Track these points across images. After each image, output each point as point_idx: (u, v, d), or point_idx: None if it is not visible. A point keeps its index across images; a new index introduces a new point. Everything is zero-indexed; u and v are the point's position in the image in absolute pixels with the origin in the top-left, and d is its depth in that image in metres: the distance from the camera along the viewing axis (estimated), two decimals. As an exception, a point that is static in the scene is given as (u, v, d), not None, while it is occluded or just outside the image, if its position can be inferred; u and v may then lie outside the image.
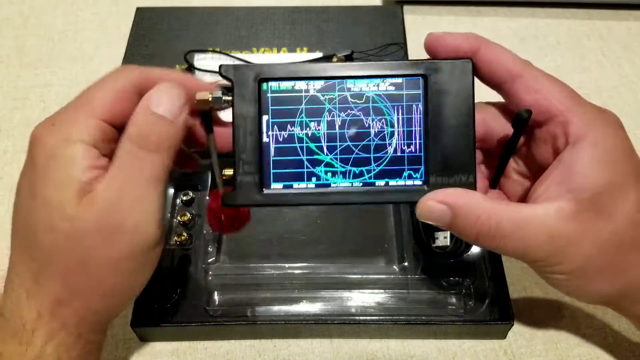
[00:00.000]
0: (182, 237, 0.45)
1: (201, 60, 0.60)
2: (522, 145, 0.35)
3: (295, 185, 0.33)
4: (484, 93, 0.35)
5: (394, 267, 0.45)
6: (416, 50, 0.62)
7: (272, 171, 0.33)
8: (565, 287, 0.34)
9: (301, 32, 0.62)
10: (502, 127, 0.35)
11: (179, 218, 0.46)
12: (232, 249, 0.46)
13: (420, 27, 0.65)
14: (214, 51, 0.60)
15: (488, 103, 0.36)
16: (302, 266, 0.45)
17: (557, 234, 0.31)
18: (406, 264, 0.45)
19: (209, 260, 0.45)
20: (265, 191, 0.33)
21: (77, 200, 0.30)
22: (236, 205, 0.33)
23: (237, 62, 0.34)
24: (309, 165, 0.33)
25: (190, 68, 0.58)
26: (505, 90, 0.33)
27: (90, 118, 0.31)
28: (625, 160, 0.31)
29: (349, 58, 0.59)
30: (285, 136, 0.33)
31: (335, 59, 0.58)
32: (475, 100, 0.33)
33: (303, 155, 0.33)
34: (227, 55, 0.60)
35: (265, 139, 0.33)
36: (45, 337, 0.31)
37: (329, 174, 0.33)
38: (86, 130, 0.31)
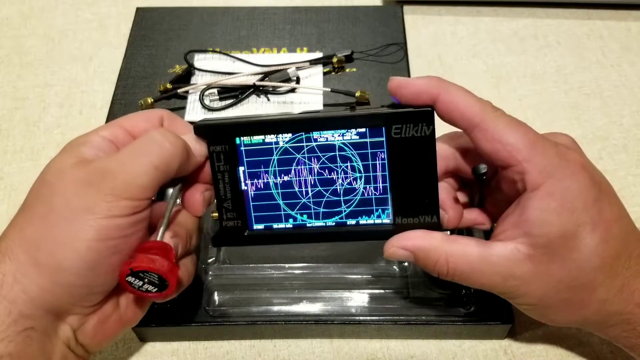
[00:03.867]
0: (182, 237, 0.45)
1: (201, 60, 0.60)
2: (494, 178, 0.36)
3: (275, 226, 0.36)
4: None
5: (394, 267, 0.45)
6: (416, 51, 0.62)
7: (253, 214, 0.36)
8: (529, 314, 0.36)
9: (301, 32, 0.62)
10: (471, 159, 0.35)
11: (179, 218, 0.46)
12: (232, 249, 0.46)
13: (420, 27, 0.65)
14: (214, 51, 0.60)
15: (458, 134, 0.36)
16: (302, 266, 0.45)
17: (510, 275, 0.32)
18: (406, 264, 0.45)
19: (209, 260, 0.45)
20: (248, 233, 0.36)
21: (73, 163, 0.31)
22: (224, 245, 0.37)
23: (212, 118, 0.37)
24: (285, 208, 0.36)
25: (190, 68, 0.58)
26: (467, 135, 0.33)
27: (115, 126, 0.34)
28: (582, 208, 0.32)
29: (349, 58, 0.59)
30: (262, 184, 0.36)
31: (335, 59, 0.58)
32: (449, 129, 0.34)
33: (279, 200, 0.36)
34: (227, 55, 0.60)
35: (243, 187, 0.36)
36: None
37: (305, 216, 0.36)
38: (107, 129, 0.33)
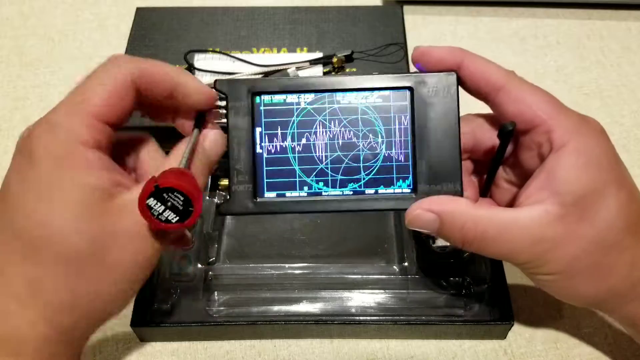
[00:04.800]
0: (182, 237, 0.45)
1: (201, 60, 0.60)
2: (510, 154, 0.36)
3: (288, 194, 0.34)
4: (472, 104, 0.35)
5: (394, 267, 0.45)
6: (416, 50, 0.62)
7: (265, 180, 0.34)
8: (553, 289, 0.35)
9: (301, 32, 0.62)
10: (490, 137, 0.36)
11: (179, 218, 0.46)
12: (232, 249, 0.46)
13: (420, 27, 0.65)
14: (214, 51, 0.60)
15: (476, 114, 0.37)
16: (302, 266, 0.45)
17: (541, 238, 0.32)
18: (406, 264, 0.45)
19: (209, 260, 0.45)
20: (259, 200, 0.34)
21: (102, 205, 0.29)
22: (231, 214, 0.34)
23: (231, 78, 0.34)
24: (301, 175, 0.34)
25: (191, 68, 0.58)
26: (490, 101, 0.34)
27: (92, 119, 0.30)
28: (607, 167, 0.32)
29: (349, 58, 0.59)
30: (278, 147, 0.34)
31: (335, 59, 0.58)
32: (464, 112, 0.34)
33: (295, 165, 0.34)
34: (227, 55, 0.60)
35: (258, 150, 0.34)
36: (36, 348, 0.29)
37: (321, 183, 0.34)
38: (91, 135, 0.30)
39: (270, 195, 0.34)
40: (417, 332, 0.43)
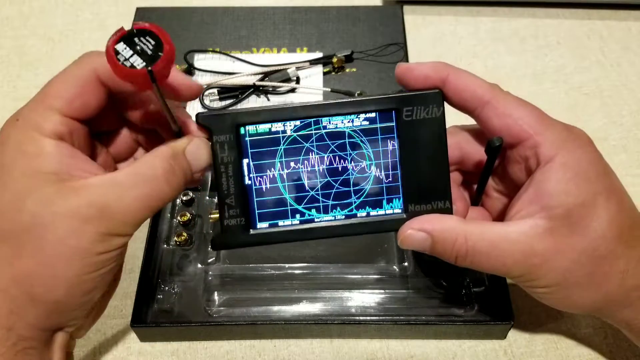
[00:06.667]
0: (182, 237, 0.45)
1: (201, 60, 0.60)
2: (498, 165, 0.36)
3: (281, 223, 0.34)
4: (459, 116, 0.35)
5: (394, 267, 0.45)
6: (416, 50, 0.62)
7: (256, 212, 0.34)
8: (550, 300, 0.35)
9: (301, 32, 0.62)
10: (477, 148, 0.36)
11: (178, 218, 0.46)
12: (232, 249, 0.46)
13: (420, 27, 0.65)
14: (214, 51, 0.60)
15: (462, 127, 0.37)
16: (302, 266, 0.45)
17: (531, 252, 0.32)
18: (406, 264, 0.45)
19: (209, 260, 0.45)
20: (252, 232, 0.34)
21: (57, 190, 0.29)
22: (225, 249, 0.34)
23: (213, 111, 0.34)
24: (292, 203, 0.34)
25: (190, 68, 0.58)
26: (476, 116, 0.34)
27: (52, 113, 0.31)
28: (595, 178, 0.32)
29: (349, 58, 0.59)
30: (267, 177, 0.34)
31: (335, 59, 0.58)
32: (451, 124, 0.35)
33: (285, 194, 0.34)
34: (227, 55, 0.60)
35: (247, 182, 0.34)
36: None
37: (313, 210, 0.34)
38: (50, 126, 0.30)
39: (262, 225, 0.34)
40: (417, 332, 0.43)
